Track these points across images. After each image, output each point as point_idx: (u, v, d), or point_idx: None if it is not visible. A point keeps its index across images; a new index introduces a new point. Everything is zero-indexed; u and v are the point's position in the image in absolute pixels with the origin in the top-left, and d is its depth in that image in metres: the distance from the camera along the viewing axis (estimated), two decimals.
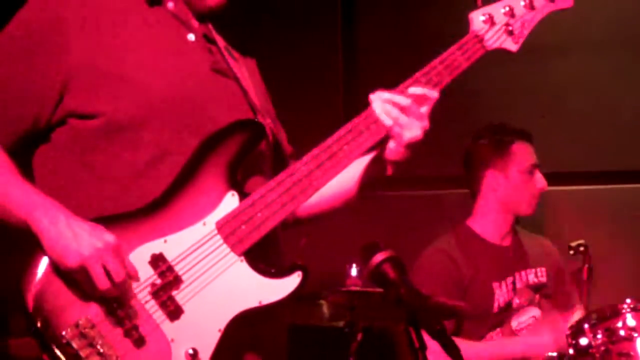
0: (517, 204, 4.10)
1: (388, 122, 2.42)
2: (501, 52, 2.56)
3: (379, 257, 2.29)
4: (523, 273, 4.05)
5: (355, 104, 2.94)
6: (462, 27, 2.59)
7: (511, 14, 2.63)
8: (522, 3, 2.66)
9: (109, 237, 2.19)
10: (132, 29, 2.43)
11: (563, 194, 4.76)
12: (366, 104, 2.43)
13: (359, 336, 3.60)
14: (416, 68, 2.44)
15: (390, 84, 2.42)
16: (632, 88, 4.90)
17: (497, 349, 3.96)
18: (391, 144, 2.46)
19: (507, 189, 4.08)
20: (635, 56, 4.92)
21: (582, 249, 4.12)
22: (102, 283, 2.17)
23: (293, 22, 5.11)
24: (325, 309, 3.73)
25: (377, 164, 2.55)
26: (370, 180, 2.65)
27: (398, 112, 2.43)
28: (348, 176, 2.60)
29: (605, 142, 4.87)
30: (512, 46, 2.62)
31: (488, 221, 4.16)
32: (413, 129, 2.42)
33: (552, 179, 4.20)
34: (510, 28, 2.62)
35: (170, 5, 2.47)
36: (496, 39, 2.60)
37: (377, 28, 5.14)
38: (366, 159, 2.57)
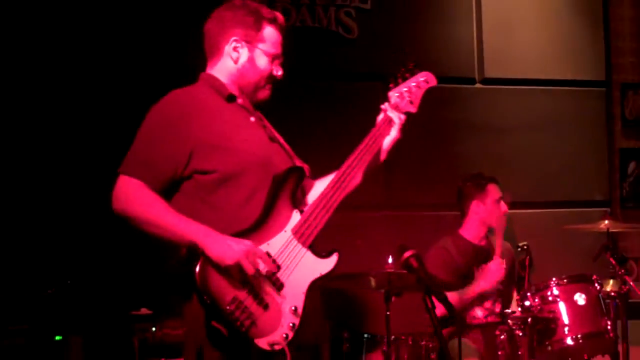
0: (490, 221, 4.70)
1: (394, 100, 2.99)
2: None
3: (407, 254, 2.83)
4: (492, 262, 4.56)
5: None
6: None
7: (410, 92, 3.06)
8: (414, 83, 3.08)
9: (248, 242, 2.62)
10: (223, 117, 2.81)
11: (515, 214, 5.22)
12: None
13: (393, 299, 3.85)
14: None
15: None
16: (561, 142, 5.74)
17: (457, 295, 4.40)
18: (393, 132, 2.98)
19: (485, 212, 4.71)
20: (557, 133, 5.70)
21: (525, 247, 4.49)
22: (250, 270, 2.59)
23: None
24: (373, 283, 3.95)
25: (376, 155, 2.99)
26: (374, 164, 3.02)
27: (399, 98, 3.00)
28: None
29: (540, 181, 5.67)
30: (413, 110, 3.06)
31: (471, 230, 4.76)
32: (405, 104, 3.00)
33: (510, 206, 4.86)
34: (411, 100, 3.06)
35: (239, 101, 2.88)
36: (405, 107, 3.04)
37: None
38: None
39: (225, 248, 2.59)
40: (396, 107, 3.02)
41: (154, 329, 4.18)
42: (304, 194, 2.93)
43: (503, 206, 4.74)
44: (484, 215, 4.75)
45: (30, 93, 4.66)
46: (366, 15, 5.34)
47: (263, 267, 2.61)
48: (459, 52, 5.58)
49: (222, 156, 2.75)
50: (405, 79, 3.08)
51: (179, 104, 2.78)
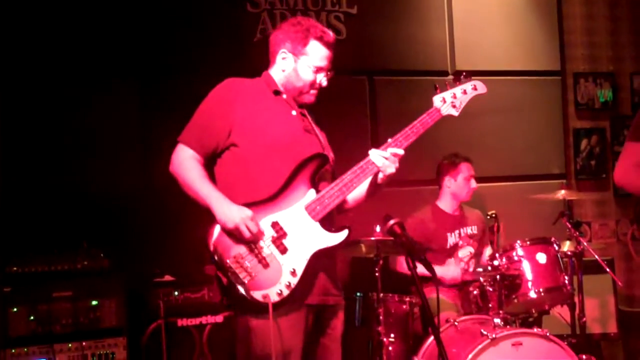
0: (461, 195, 4.82)
1: (379, 163, 2.90)
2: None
3: (392, 222, 2.82)
4: (464, 228, 4.81)
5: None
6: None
7: (454, 96, 3.07)
8: (460, 91, 3.09)
9: (248, 211, 2.73)
10: (266, 105, 2.93)
11: (486, 187, 5.30)
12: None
13: (381, 262, 3.97)
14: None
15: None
16: (523, 124, 5.73)
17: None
18: (380, 175, 2.94)
19: (456, 187, 4.81)
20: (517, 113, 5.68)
21: (494, 215, 4.48)
22: (245, 235, 2.69)
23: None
24: (363, 248, 4.04)
25: (373, 184, 3.00)
26: (370, 192, 3.03)
27: (384, 160, 2.90)
28: (361, 189, 3.03)
29: (505, 159, 5.68)
30: (455, 113, 3.08)
31: (445, 202, 4.87)
32: (390, 168, 2.91)
33: (480, 180, 4.97)
34: (454, 104, 3.06)
35: (284, 96, 2.98)
36: (446, 110, 3.06)
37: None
38: (368, 181, 3.00)
39: (228, 214, 2.71)
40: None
41: (176, 293, 4.29)
42: (328, 181, 2.97)
43: (473, 183, 4.82)
44: (455, 189, 4.83)
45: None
46: (353, 18, 5.38)
47: (256, 233, 2.70)
48: (433, 48, 5.59)
49: (254, 135, 2.85)
50: (454, 86, 3.10)
51: (227, 88, 2.92)
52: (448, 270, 4.66)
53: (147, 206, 4.63)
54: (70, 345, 4.02)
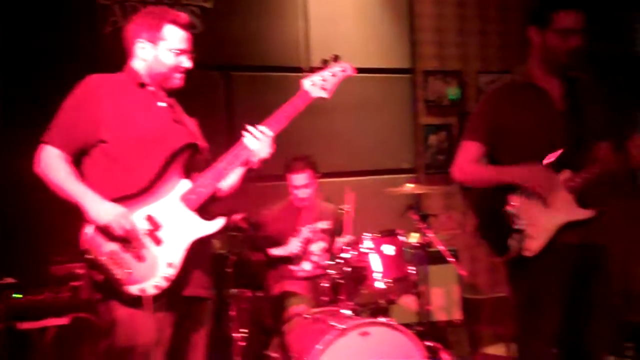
0: (294, 199, 4.84)
1: (253, 147, 2.90)
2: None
3: (237, 217, 3.12)
4: (317, 223, 4.84)
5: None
6: None
7: (323, 79, 3.02)
8: (329, 74, 3.02)
9: (121, 208, 2.73)
10: (132, 99, 2.88)
11: (339, 182, 5.34)
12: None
13: (233, 258, 4.04)
14: None
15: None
16: (375, 120, 5.90)
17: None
18: (253, 159, 2.93)
19: (290, 188, 4.82)
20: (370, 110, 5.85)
21: (346, 210, 4.55)
22: (118, 231, 2.71)
23: None
24: (217, 243, 3.97)
25: (247, 170, 2.99)
26: (245, 178, 3.03)
27: (257, 142, 2.90)
28: (234, 177, 3.02)
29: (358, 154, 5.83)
30: (325, 95, 3.02)
31: (293, 198, 4.87)
32: (264, 151, 2.93)
33: (328, 176, 5.12)
34: (323, 86, 3.01)
35: (151, 88, 2.94)
36: (316, 92, 3.00)
37: None
38: (240, 169, 2.98)
39: (100, 211, 2.72)
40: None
41: (17, 295, 4.16)
42: (202, 168, 2.95)
43: (300, 194, 4.83)
44: (290, 191, 4.92)
45: None
46: (209, 13, 5.35)
47: (129, 229, 2.72)
48: (289, 44, 5.63)
49: (122, 130, 2.84)
50: (322, 69, 3.06)
51: (90, 85, 2.89)
52: (287, 249, 4.73)
53: None
54: None
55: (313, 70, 3.03)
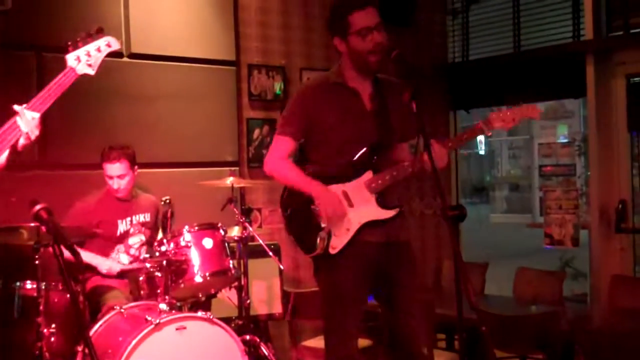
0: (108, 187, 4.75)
1: (26, 129, 2.82)
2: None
3: (37, 207, 2.81)
4: (136, 216, 4.81)
5: None
6: None
7: (88, 54, 2.97)
8: (94, 48, 2.98)
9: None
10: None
11: (159, 173, 5.47)
12: None
13: (42, 249, 3.87)
14: None
15: None
16: (198, 111, 5.83)
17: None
18: (21, 141, 2.86)
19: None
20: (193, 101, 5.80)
21: (167, 201, 4.45)
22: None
23: None
24: (25, 235, 4.04)
25: (13, 152, 2.90)
26: (11, 160, 2.93)
27: (30, 124, 2.83)
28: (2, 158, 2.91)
29: (179, 145, 5.74)
30: (91, 72, 2.98)
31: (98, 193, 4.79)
32: (34, 132, 2.85)
33: (148, 166, 5.15)
34: (89, 62, 2.96)
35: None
36: (82, 69, 2.95)
37: None
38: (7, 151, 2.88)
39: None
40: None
41: None
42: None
43: (114, 184, 4.74)
44: (106, 181, 4.81)
45: None
46: None
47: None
48: (108, 29, 5.32)
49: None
50: (86, 43, 2.99)
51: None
52: (105, 262, 4.63)
53: None
54: None
55: (77, 44, 2.95)
